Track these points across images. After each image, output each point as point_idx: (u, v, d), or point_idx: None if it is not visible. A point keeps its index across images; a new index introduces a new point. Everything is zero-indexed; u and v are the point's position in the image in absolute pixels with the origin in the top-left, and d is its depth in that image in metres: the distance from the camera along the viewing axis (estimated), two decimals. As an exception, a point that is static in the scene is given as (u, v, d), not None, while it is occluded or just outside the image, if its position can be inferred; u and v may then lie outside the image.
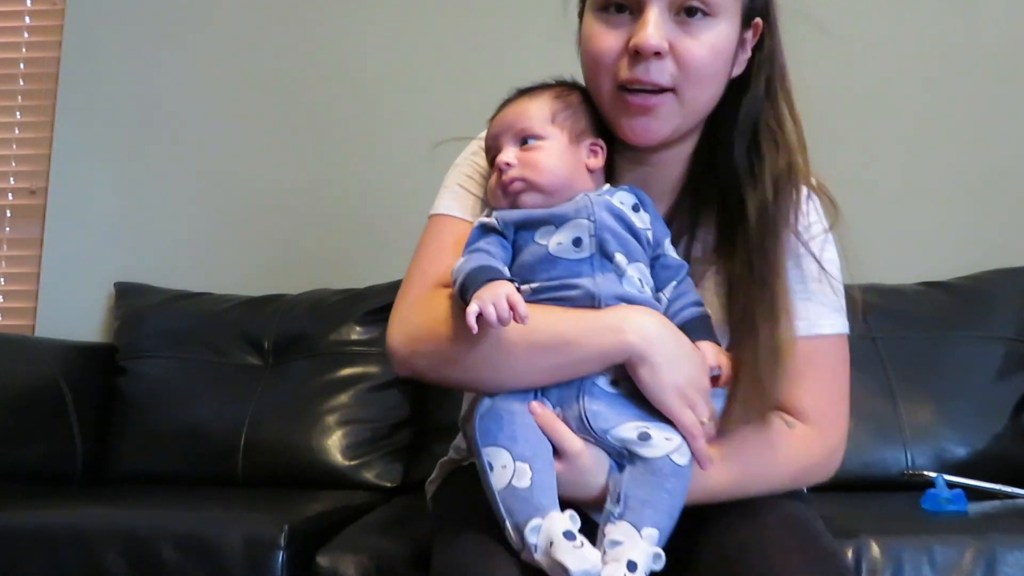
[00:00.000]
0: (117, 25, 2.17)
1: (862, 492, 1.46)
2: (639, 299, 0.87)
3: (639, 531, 0.78)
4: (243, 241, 2.08)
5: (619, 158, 0.97)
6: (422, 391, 1.76)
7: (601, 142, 0.94)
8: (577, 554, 0.75)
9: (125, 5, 2.18)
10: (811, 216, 0.97)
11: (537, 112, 0.92)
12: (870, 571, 1.05)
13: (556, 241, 0.87)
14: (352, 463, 1.67)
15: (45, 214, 2.14)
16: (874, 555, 1.06)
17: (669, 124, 0.91)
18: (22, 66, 2.23)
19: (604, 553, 0.78)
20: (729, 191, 0.94)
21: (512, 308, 0.80)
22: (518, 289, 0.84)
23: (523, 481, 0.79)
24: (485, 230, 0.91)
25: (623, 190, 0.93)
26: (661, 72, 0.88)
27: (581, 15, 0.96)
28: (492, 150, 0.95)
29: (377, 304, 1.82)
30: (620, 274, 0.87)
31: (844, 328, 0.97)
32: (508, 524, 0.80)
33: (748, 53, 0.95)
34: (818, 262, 0.95)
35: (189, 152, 2.13)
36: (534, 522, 0.78)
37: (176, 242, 2.10)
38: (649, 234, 0.90)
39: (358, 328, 1.81)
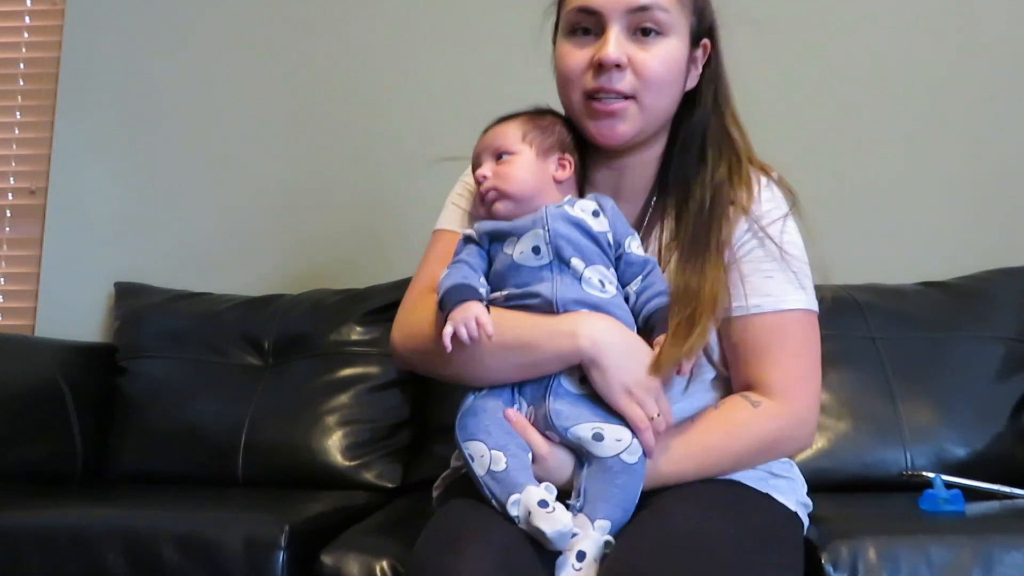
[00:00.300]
0: (117, 25, 2.18)
1: (861, 492, 1.46)
2: (596, 300, 0.98)
3: (592, 523, 0.89)
4: (243, 241, 2.08)
5: (595, 165, 1.11)
6: (422, 391, 1.76)
7: (569, 157, 1.07)
8: (550, 518, 0.86)
9: (125, 5, 2.18)
10: (766, 204, 1.07)
11: (511, 132, 1.07)
12: (866, 572, 1.04)
13: (519, 250, 0.99)
14: (352, 463, 1.67)
15: (45, 214, 2.14)
16: (870, 556, 1.05)
17: (632, 127, 1.04)
18: (22, 66, 2.23)
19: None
20: (684, 188, 1.07)
21: (480, 327, 0.93)
22: (488, 305, 0.97)
23: (499, 466, 0.92)
24: (467, 241, 1.05)
25: (587, 198, 1.05)
26: (622, 81, 1.01)
27: (555, 41, 1.11)
28: (475, 167, 1.09)
29: (377, 304, 1.82)
30: (578, 277, 0.98)
31: (810, 304, 1.05)
32: (494, 502, 0.92)
33: (699, 70, 1.09)
34: (776, 243, 1.04)
35: (189, 152, 2.13)
36: (513, 497, 0.90)
37: (176, 242, 2.10)
38: (609, 236, 1.01)
39: (358, 328, 1.80)
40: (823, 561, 1.05)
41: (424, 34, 2.09)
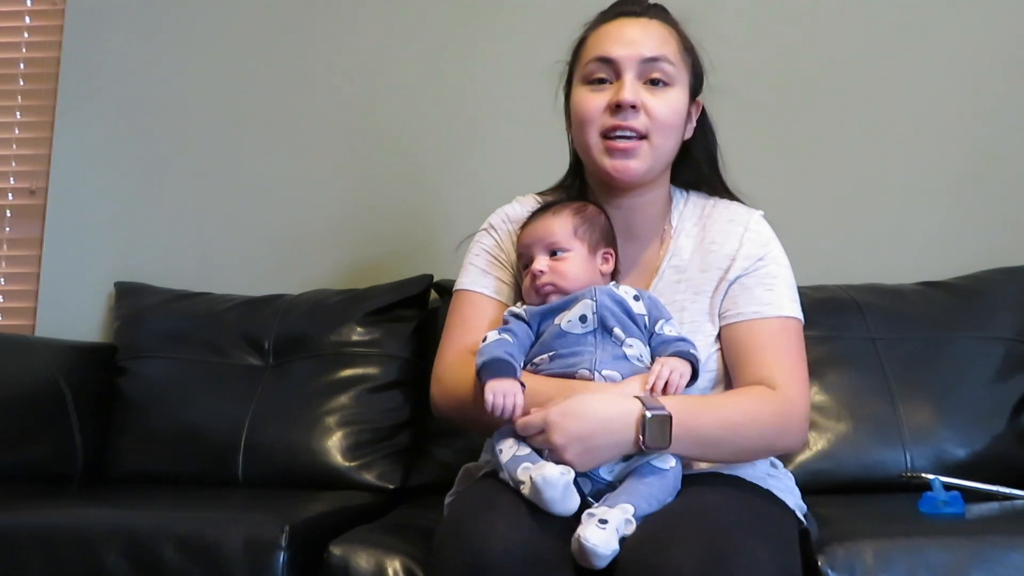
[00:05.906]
0: (117, 25, 2.18)
1: (861, 494, 1.46)
2: (634, 369, 1.07)
3: (614, 506, 0.95)
4: (243, 241, 2.08)
5: (609, 206, 1.22)
6: (423, 393, 1.75)
7: (611, 250, 1.18)
8: (541, 466, 0.94)
9: (125, 5, 2.18)
10: (747, 246, 1.19)
11: (561, 228, 1.15)
12: (864, 575, 1.04)
13: (566, 319, 1.09)
14: (352, 464, 1.67)
15: (45, 214, 2.14)
16: (867, 559, 1.05)
17: (643, 164, 1.16)
18: (22, 66, 2.23)
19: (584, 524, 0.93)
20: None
21: (514, 408, 1.02)
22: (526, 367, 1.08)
23: (523, 451, 1.00)
24: (515, 317, 1.13)
25: (627, 287, 1.15)
26: (636, 120, 1.14)
27: (567, 94, 1.24)
28: (524, 257, 1.18)
29: (377, 304, 1.82)
30: (619, 343, 1.08)
31: (800, 315, 1.17)
32: (511, 481, 0.98)
33: (694, 124, 1.24)
34: (768, 267, 1.17)
35: (189, 152, 2.13)
36: (523, 465, 0.97)
37: (176, 242, 2.10)
38: (646, 319, 1.11)
39: (359, 329, 1.80)
40: (820, 563, 1.05)
41: (422, 37, 2.08)
